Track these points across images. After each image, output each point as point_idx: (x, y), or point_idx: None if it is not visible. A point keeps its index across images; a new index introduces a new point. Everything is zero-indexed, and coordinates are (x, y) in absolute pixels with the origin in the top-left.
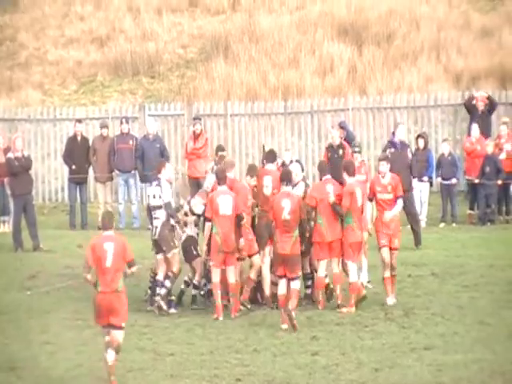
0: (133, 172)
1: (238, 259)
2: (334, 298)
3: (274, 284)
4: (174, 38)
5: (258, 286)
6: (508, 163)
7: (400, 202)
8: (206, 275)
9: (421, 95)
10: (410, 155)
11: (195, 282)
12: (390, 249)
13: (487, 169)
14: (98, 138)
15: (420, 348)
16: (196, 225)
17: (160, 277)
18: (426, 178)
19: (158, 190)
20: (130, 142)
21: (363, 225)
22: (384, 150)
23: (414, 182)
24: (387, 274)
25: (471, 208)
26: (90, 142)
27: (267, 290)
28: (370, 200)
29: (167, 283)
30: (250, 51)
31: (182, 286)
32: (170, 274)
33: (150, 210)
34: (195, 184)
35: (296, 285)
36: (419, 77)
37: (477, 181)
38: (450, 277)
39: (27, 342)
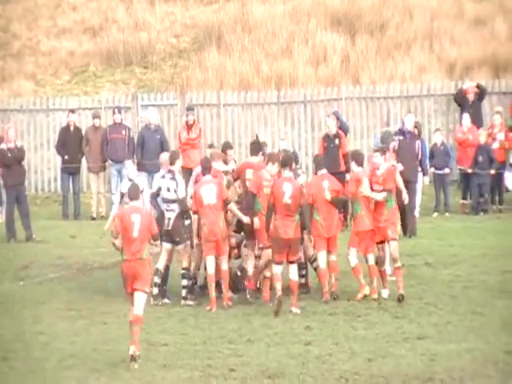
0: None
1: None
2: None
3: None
4: (166, 28)
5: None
6: (501, 153)
7: (384, 194)
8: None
9: (414, 85)
10: (417, 147)
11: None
12: (387, 241)
13: (480, 158)
14: (90, 129)
15: (413, 338)
16: None
17: (160, 266)
18: (419, 168)
19: (173, 184)
20: (123, 132)
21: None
22: (393, 136)
23: None
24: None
25: (464, 198)
26: (83, 132)
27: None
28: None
29: (184, 281)
30: (242, 41)
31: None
32: (182, 271)
33: (155, 197)
34: (189, 174)
35: (294, 273)
36: (412, 66)
37: (470, 170)
38: (443, 266)
39: (20, 333)
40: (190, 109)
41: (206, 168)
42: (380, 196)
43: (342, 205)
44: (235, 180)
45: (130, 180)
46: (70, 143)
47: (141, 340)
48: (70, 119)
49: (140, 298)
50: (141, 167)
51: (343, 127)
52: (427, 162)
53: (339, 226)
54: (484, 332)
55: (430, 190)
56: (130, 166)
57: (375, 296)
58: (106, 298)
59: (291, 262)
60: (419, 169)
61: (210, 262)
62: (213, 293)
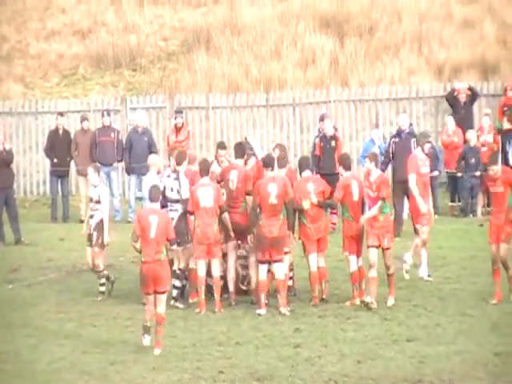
0: (115, 165)
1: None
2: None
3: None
4: (155, 31)
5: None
6: (489, 155)
7: (379, 204)
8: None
9: (403, 87)
10: (413, 146)
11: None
12: (382, 249)
13: (472, 160)
14: (79, 132)
15: (402, 340)
16: None
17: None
18: None
19: (177, 184)
20: (112, 135)
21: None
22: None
23: None
24: (372, 274)
25: (452, 200)
26: (72, 136)
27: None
28: None
29: (177, 282)
30: (231, 43)
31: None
32: (177, 271)
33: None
34: None
35: (280, 272)
36: (401, 69)
37: (460, 174)
38: (432, 268)
39: (9, 335)
40: (178, 111)
41: (204, 170)
42: (375, 210)
43: (329, 207)
44: (219, 182)
45: (95, 186)
46: (59, 146)
47: (130, 343)
48: (58, 122)
49: (163, 298)
50: (129, 170)
51: None
52: None
53: (328, 227)
54: (473, 334)
55: None
56: (91, 173)
57: (358, 301)
58: (95, 300)
59: (276, 261)
60: None
61: (201, 265)
62: (202, 295)
